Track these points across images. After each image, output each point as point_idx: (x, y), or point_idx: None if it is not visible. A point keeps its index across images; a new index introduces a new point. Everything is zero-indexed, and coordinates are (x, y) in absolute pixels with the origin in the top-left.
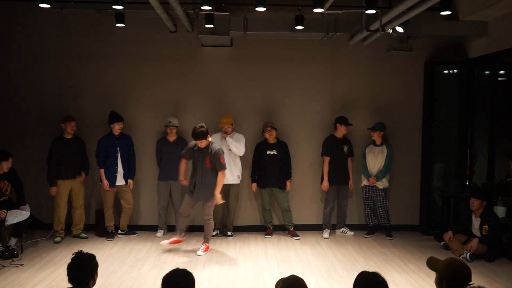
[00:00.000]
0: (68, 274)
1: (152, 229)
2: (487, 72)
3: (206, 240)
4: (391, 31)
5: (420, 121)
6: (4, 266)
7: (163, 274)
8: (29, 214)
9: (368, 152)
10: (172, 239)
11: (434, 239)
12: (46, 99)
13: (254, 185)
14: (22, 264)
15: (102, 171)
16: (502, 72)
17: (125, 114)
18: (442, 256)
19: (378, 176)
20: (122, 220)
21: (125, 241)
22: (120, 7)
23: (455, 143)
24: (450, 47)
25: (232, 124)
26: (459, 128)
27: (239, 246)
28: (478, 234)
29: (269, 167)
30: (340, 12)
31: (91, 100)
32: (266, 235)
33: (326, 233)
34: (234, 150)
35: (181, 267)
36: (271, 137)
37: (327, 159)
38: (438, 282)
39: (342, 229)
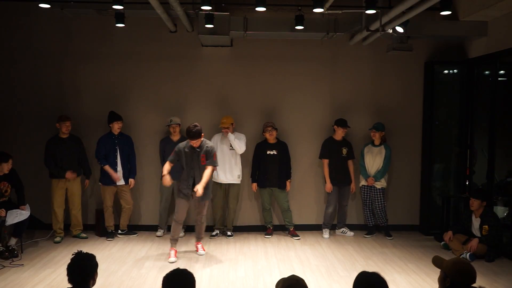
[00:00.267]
0: (68, 274)
1: (152, 229)
2: (487, 72)
3: (201, 239)
4: (391, 31)
5: (420, 121)
6: (4, 266)
7: (163, 274)
8: (29, 214)
9: (366, 153)
10: (174, 252)
11: (434, 239)
12: (46, 99)
13: (254, 185)
14: (22, 264)
15: (107, 167)
16: (502, 72)
17: (125, 114)
18: (442, 256)
19: (377, 177)
20: (122, 220)
21: (125, 241)
22: (120, 7)
23: (455, 143)
24: (450, 47)
25: (232, 124)
26: (459, 128)
27: (239, 246)
28: (478, 234)
29: (269, 167)
30: (340, 12)
31: (91, 100)
32: (266, 235)
33: (326, 233)
34: (235, 146)
35: (181, 267)
36: (271, 137)
37: (326, 161)
38: (442, 280)
39: (342, 229)
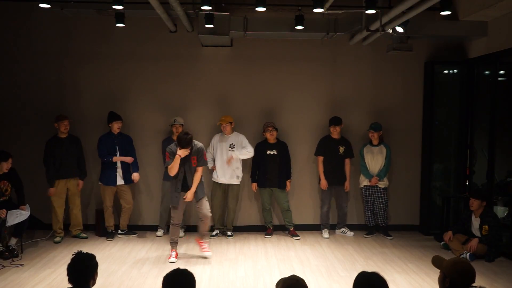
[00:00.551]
0: (68, 274)
1: (152, 229)
2: (487, 72)
3: (203, 236)
4: (391, 31)
5: (420, 121)
6: (4, 266)
7: (163, 274)
8: (29, 214)
9: (366, 153)
10: (174, 253)
11: (434, 239)
12: (46, 99)
13: (254, 185)
14: (22, 264)
15: (116, 157)
16: (502, 72)
17: (125, 114)
18: (442, 256)
19: (380, 176)
20: (122, 220)
21: (125, 241)
22: (120, 7)
23: (455, 143)
24: (450, 47)
25: (231, 123)
26: (459, 128)
27: (239, 246)
28: (478, 234)
29: (269, 167)
30: (340, 12)
31: (91, 100)
32: (266, 235)
33: (326, 233)
34: (246, 157)
35: (181, 267)
36: (272, 137)
37: (320, 159)
38: (441, 280)
39: (342, 229)
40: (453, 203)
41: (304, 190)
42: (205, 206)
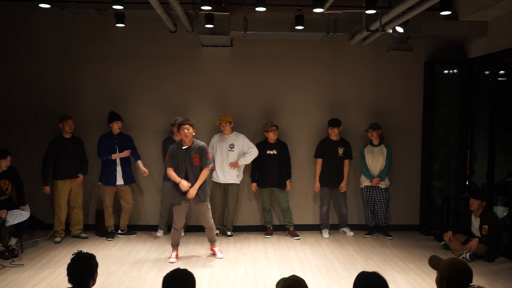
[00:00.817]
0: (68, 274)
1: (152, 229)
2: (487, 72)
3: (214, 241)
4: (391, 31)
5: (420, 121)
6: (4, 266)
7: (163, 274)
8: (29, 214)
9: (367, 153)
10: (175, 254)
11: (434, 239)
12: (47, 99)
13: (254, 185)
14: (22, 264)
15: (115, 155)
16: (502, 72)
17: (125, 114)
18: (442, 256)
19: (382, 176)
20: (122, 220)
21: (125, 241)
22: (120, 7)
23: (455, 143)
24: (450, 47)
25: (230, 122)
26: (459, 128)
27: (239, 246)
28: (478, 234)
29: (269, 167)
30: (340, 12)
31: (91, 100)
32: (266, 235)
33: (325, 233)
34: (253, 158)
35: (181, 267)
36: (275, 136)
37: (319, 161)
38: (438, 281)
39: (343, 229)
40: (453, 203)
41: (304, 190)
42: (206, 214)
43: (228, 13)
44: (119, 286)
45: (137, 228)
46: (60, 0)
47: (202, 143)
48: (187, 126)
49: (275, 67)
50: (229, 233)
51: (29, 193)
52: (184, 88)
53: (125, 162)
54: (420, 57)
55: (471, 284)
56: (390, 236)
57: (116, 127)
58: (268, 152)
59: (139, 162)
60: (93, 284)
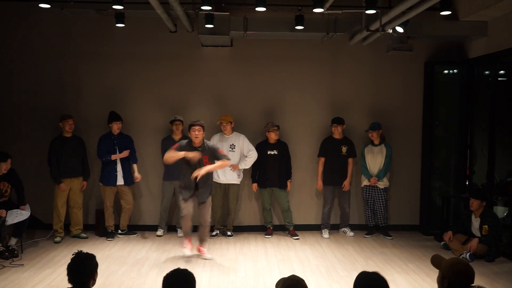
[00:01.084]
0: (68, 274)
1: (152, 229)
2: (487, 72)
3: (204, 241)
4: (391, 31)
5: (420, 121)
6: (4, 266)
7: (163, 274)
8: (29, 214)
9: (367, 153)
10: (188, 243)
11: (434, 239)
12: (46, 99)
13: (255, 185)
14: (22, 264)
15: (115, 155)
16: (502, 72)
17: (125, 114)
18: (443, 256)
19: (379, 176)
20: (122, 220)
21: (125, 241)
22: (120, 7)
23: (455, 143)
24: (450, 47)
25: (231, 122)
26: (459, 128)
27: (239, 246)
28: (478, 234)
29: (270, 167)
30: (340, 12)
31: (91, 100)
32: (266, 235)
33: (325, 233)
34: (253, 161)
35: (181, 267)
36: (276, 137)
37: (321, 160)
38: (440, 280)
39: (343, 229)
40: (453, 203)
41: (304, 190)
42: (207, 211)
43: (228, 13)
44: (119, 286)
45: (137, 228)
46: (60, 0)
47: (211, 144)
48: (198, 127)
49: (275, 67)
50: (229, 233)
51: (29, 193)
52: (184, 88)
53: (125, 162)
54: (420, 57)
55: (473, 285)
56: (390, 236)
57: (115, 127)
58: (268, 152)
59: (135, 166)
60: (93, 284)
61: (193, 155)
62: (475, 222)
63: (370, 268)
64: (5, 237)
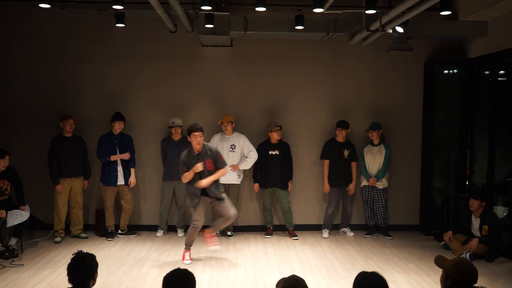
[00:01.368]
0: (68, 274)
1: (152, 229)
2: (487, 72)
3: (216, 228)
4: (391, 31)
5: (420, 121)
6: (4, 266)
7: (163, 274)
8: (29, 215)
9: (366, 153)
10: (188, 254)
11: (434, 239)
12: (47, 99)
13: (256, 185)
14: (22, 264)
15: (114, 156)
16: (502, 72)
17: (125, 114)
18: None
19: (378, 176)
20: (122, 220)
21: (125, 241)
22: (120, 7)
23: (455, 143)
24: (450, 47)
25: (232, 122)
26: (459, 128)
27: (239, 246)
28: (478, 234)
29: (271, 167)
30: (340, 12)
31: (91, 100)
32: (266, 235)
33: (325, 233)
34: (253, 162)
35: (181, 267)
36: (278, 137)
37: (326, 162)
38: (443, 279)
39: (343, 229)
40: (453, 203)
41: (305, 190)
42: (229, 206)
43: (228, 13)
44: (119, 286)
45: (137, 228)
46: (60, 0)
47: (213, 147)
48: (199, 133)
49: (275, 67)
50: (229, 233)
51: (29, 193)
52: (184, 88)
53: (125, 162)
54: (420, 57)
55: (475, 285)
56: (390, 236)
57: (116, 126)
58: (270, 152)
59: (132, 170)
60: (93, 284)
61: (198, 168)
62: (475, 222)
63: (370, 268)
64: (5, 237)
